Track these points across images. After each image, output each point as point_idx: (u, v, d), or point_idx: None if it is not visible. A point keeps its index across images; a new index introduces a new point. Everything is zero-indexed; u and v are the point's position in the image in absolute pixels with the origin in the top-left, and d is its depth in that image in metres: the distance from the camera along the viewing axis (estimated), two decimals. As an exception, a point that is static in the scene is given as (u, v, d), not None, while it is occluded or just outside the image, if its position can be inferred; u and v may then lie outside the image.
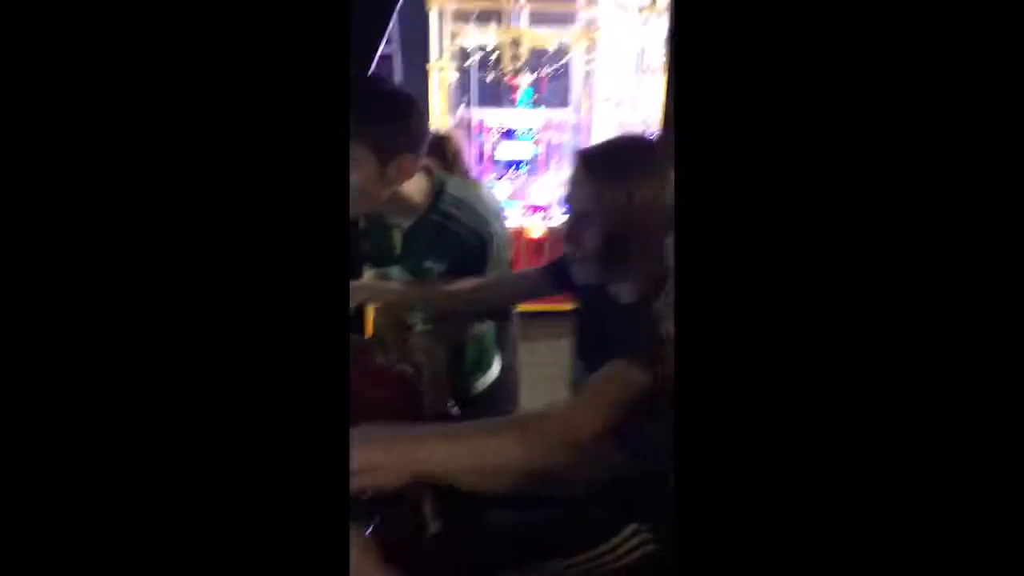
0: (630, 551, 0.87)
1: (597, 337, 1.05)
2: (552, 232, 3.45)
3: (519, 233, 3.42)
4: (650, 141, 1.00)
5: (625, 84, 3.46)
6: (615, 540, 0.85)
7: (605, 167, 0.88)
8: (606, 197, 0.86)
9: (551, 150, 4.02)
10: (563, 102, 3.98)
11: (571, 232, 0.91)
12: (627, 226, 0.86)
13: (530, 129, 3.97)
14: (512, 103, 3.93)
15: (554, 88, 3.98)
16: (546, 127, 3.94)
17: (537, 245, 3.48)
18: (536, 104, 3.95)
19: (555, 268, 1.09)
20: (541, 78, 3.88)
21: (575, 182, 0.91)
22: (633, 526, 0.84)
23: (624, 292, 0.94)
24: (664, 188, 0.87)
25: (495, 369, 1.70)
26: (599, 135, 3.93)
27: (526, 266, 1.72)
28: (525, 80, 3.87)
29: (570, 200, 0.92)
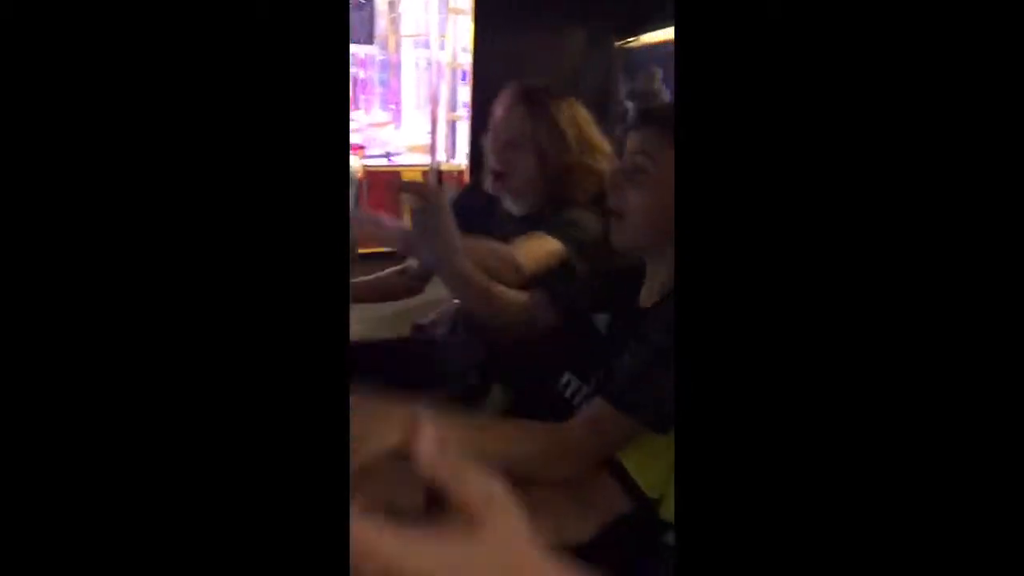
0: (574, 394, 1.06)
1: None
2: (370, 173, 3.43)
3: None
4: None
5: (432, 22, 3.46)
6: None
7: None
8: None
9: (359, 86, 3.92)
10: (368, 37, 3.87)
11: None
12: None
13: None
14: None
15: (358, 20, 3.85)
16: (351, 62, 3.81)
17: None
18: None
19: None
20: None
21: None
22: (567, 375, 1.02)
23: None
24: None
25: None
26: (408, 73, 3.91)
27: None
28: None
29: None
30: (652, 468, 0.73)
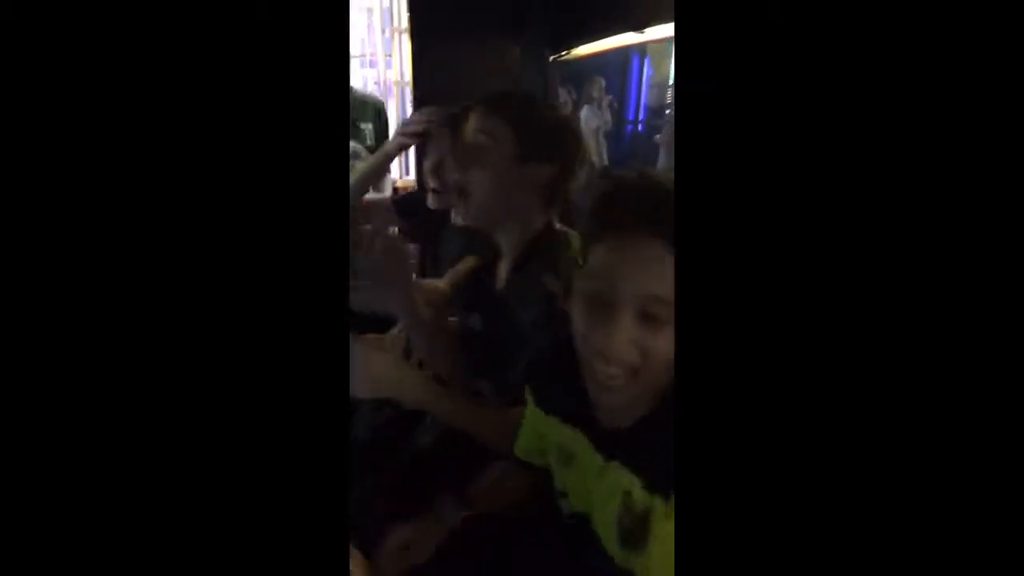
0: None
1: None
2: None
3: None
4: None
5: (378, 42, 3.48)
6: None
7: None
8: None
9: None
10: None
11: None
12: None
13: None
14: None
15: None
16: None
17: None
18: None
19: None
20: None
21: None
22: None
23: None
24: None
25: None
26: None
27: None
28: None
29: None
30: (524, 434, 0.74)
